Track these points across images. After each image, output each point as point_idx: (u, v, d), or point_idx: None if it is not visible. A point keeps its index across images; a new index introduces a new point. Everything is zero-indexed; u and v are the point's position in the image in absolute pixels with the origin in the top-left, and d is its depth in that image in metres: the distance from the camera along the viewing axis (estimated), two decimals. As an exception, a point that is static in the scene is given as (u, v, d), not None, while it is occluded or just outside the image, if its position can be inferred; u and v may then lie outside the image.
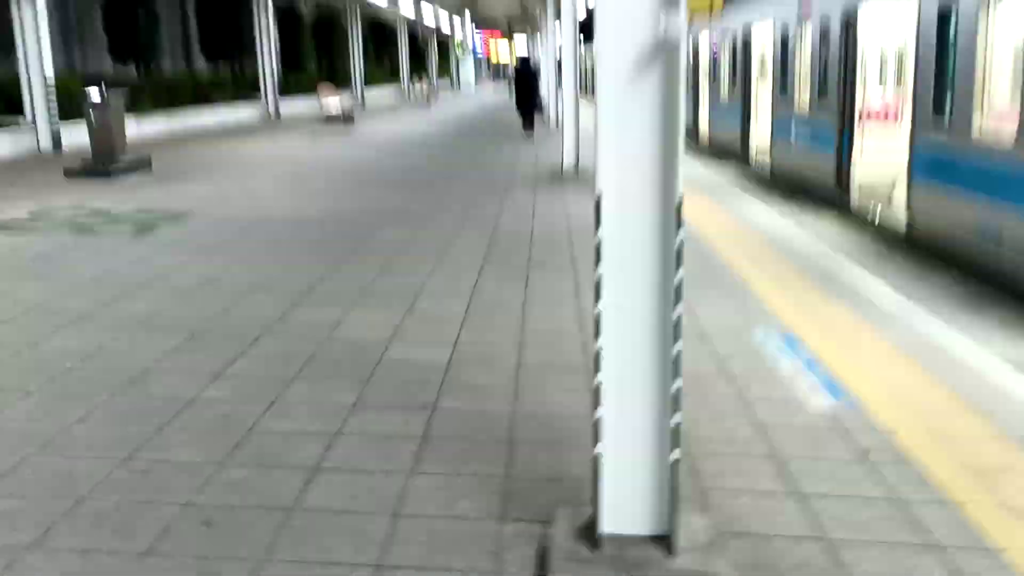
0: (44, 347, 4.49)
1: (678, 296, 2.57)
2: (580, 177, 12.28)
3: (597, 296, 2.58)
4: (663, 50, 2.41)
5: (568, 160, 12.55)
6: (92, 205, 8.74)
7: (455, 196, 10.28)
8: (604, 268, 2.55)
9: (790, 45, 12.16)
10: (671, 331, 2.58)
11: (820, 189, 10.54)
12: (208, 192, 9.96)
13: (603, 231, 2.53)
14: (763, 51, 13.78)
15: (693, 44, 20.13)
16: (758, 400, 3.97)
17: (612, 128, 2.48)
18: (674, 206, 2.49)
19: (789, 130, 11.92)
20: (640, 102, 2.45)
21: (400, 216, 8.81)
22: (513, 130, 20.16)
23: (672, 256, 2.52)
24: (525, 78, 20.85)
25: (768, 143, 13.13)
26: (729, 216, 9.18)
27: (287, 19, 27.94)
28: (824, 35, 10.50)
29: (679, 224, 2.52)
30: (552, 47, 26.14)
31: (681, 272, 2.56)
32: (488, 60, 77.94)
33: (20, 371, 4.16)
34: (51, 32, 15.83)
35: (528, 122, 20.27)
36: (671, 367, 2.60)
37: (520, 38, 59.82)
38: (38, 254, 6.60)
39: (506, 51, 64.32)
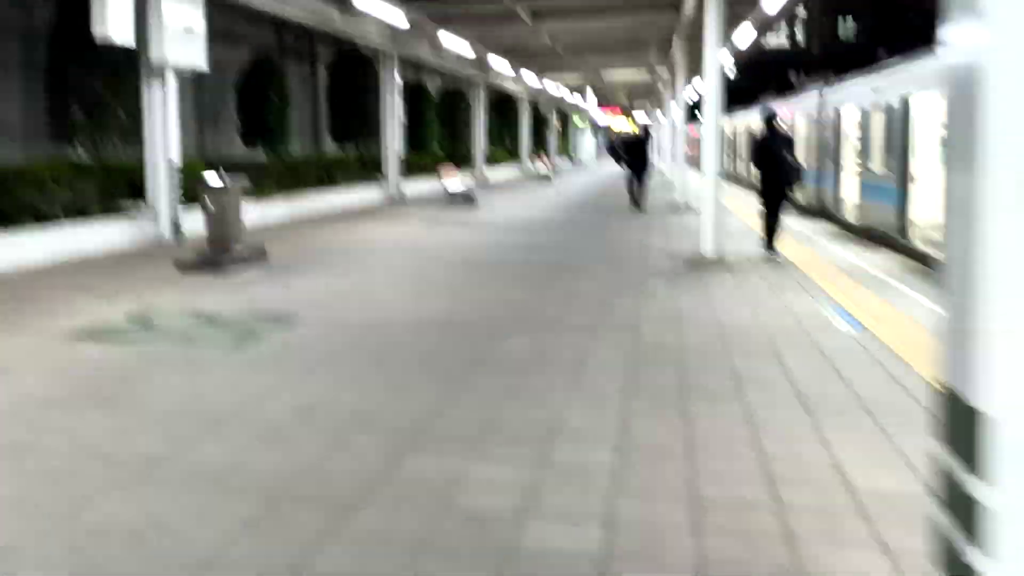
0: (85, 517, 3.58)
1: None
2: (722, 265, 11.06)
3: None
4: None
5: (707, 246, 11.36)
6: (196, 306, 8.12)
7: (584, 291, 9.24)
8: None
9: None
10: None
11: None
12: (321, 288, 9.26)
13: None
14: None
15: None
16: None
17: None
18: None
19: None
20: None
21: (524, 318, 7.81)
22: (643, 216, 19.13)
23: None
24: (642, 145, 20.20)
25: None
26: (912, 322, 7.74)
27: (413, 96, 28.07)
28: None
29: None
30: (676, 118, 25.16)
31: None
32: (607, 131, 77.81)
33: (40, 558, 3.25)
34: (184, 116, 15.98)
35: (640, 195, 19.68)
36: None
37: (639, 114, 59.48)
38: (120, 372, 5.87)
39: (624, 125, 63.96)
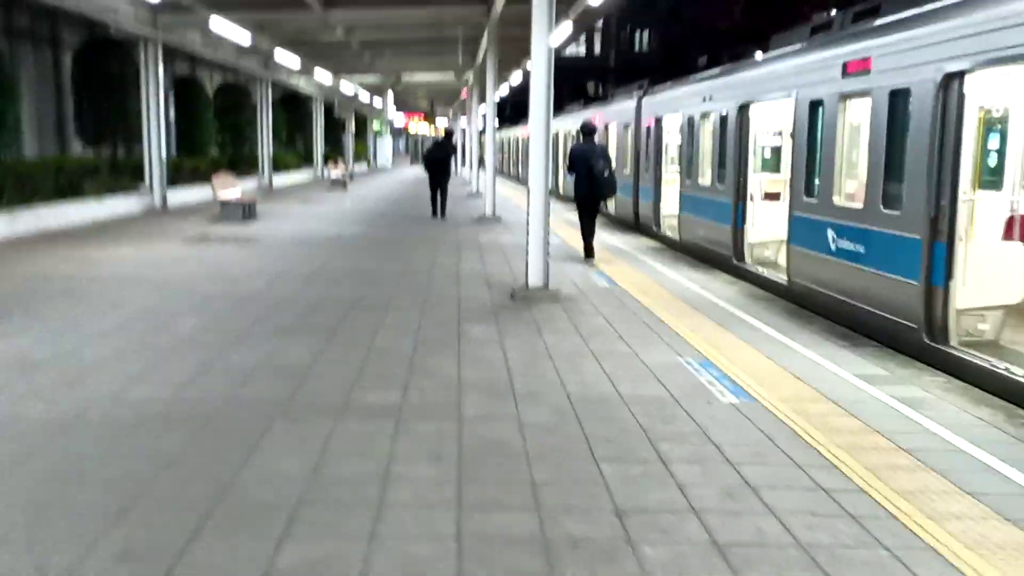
0: None
1: None
2: (553, 298, 9.21)
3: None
4: None
5: (534, 274, 9.45)
6: None
7: (384, 343, 7.04)
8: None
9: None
10: None
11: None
12: (7, 353, 6.48)
13: None
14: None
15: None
16: None
17: None
18: None
19: (821, 237, 9.18)
20: None
21: (297, 398, 5.50)
22: (447, 229, 17.12)
23: None
24: (444, 150, 19.25)
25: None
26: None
27: (186, 92, 24.58)
28: None
29: None
30: (483, 121, 23.46)
31: None
32: (406, 133, 74.95)
33: None
34: None
35: (441, 204, 18.87)
36: None
37: (441, 121, 57.54)
38: None
39: (426, 128, 61.76)
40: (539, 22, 9.38)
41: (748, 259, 12.13)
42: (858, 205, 8.54)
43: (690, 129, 14.64)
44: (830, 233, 9.11)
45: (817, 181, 9.62)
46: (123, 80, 19.02)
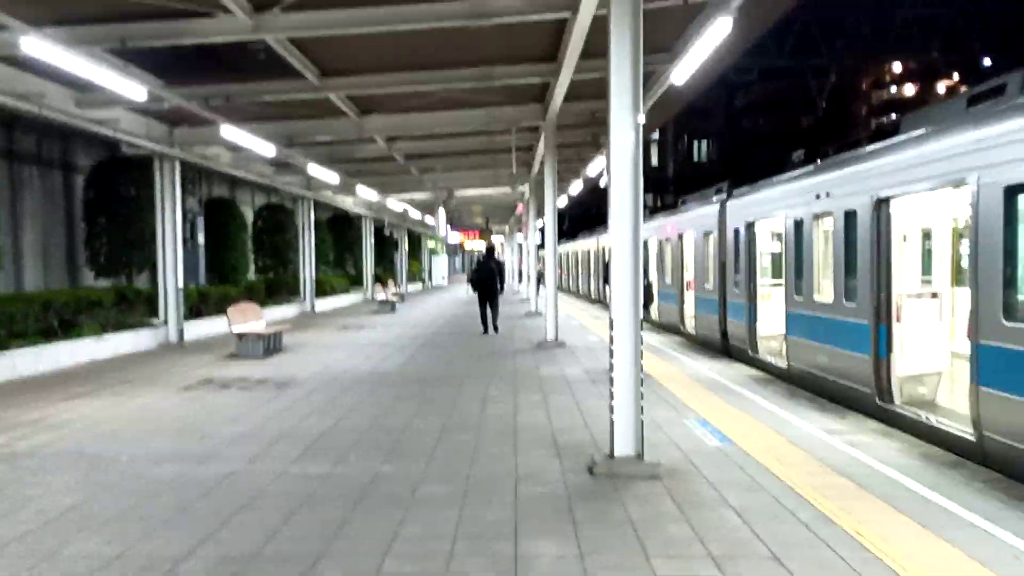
0: None
1: None
2: (650, 473, 6.29)
3: None
4: None
5: (623, 441, 6.57)
6: None
7: (428, 555, 4.20)
8: None
9: None
10: None
11: None
12: None
13: None
14: None
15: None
16: None
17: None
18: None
19: None
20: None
21: None
22: (503, 358, 14.45)
23: None
24: (488, 266, 18.71)
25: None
26: None
27: (218, 213, 22.73)
28: None
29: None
30: (543, 237, 21.10)
31: None
32: (463, 250, 73.30)
33: None
34: None
35: (492, 319, 18.65)
36: None
37: (498, 238, 55.79)
38: None
39: (482, 245, 59.96)
40: (620, 94, 6.73)
41: (898, 399, 9.09)
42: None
43: (798, 234, 11.86)
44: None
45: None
46: (139, 203, 17.06)
